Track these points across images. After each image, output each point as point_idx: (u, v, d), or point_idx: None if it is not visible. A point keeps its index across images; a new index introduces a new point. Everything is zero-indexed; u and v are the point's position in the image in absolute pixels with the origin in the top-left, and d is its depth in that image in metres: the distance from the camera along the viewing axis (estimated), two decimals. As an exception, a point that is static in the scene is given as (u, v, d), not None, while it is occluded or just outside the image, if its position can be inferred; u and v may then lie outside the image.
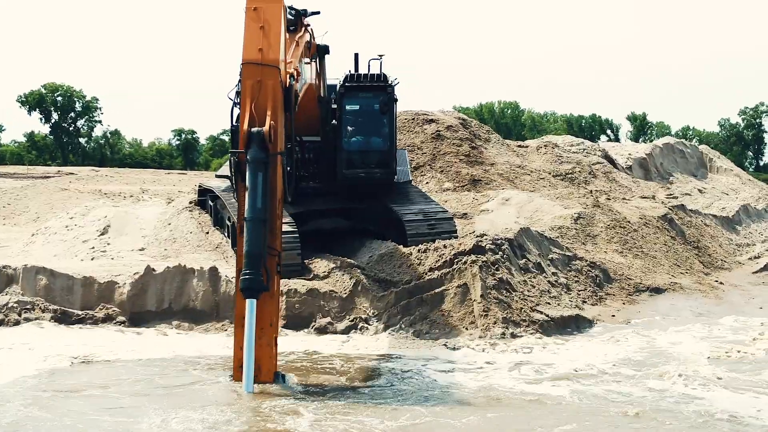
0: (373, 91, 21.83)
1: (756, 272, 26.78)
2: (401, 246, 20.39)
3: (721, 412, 12.59)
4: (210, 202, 23.98)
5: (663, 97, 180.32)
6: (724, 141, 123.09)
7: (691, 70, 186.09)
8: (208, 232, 22.99)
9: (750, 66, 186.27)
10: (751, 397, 13.59)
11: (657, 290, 22.24)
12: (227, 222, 21.78)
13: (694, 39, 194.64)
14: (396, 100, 21.92)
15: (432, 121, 32.17)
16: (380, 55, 21.52)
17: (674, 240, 26.27)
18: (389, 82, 21.70)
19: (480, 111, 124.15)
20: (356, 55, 22.23)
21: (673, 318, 20.06)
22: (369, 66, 21.88)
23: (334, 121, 21.71)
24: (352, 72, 21.89)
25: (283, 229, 19.77)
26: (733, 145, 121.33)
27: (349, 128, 22.19)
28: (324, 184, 22.23)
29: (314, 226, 21.75)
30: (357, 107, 22.20)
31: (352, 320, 18.35)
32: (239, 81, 14.56)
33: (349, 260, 19.95)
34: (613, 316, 19.93)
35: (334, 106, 21.77)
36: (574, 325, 18.69)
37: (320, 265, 19.78)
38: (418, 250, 19.76)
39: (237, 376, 13.08)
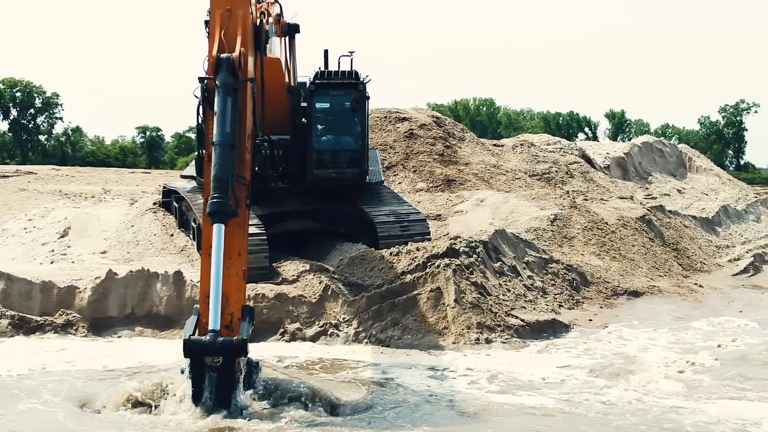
0: (344, 88, 21.70)
1: (736, 275, 27.00)
2: (373, 249, 20.37)
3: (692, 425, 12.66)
4: (175, 204, 23.85)
5: (642, 94, 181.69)
6: (704, 139, 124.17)
7: (670, 66, 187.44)
8: (172, 235, 22.86)
9: (731, 63, 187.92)
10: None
11: (635, 293, 22.33)
12: (193, 224, 21.67)
13: (674, 35, 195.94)
14: (368, 97, 21.81)
15: (405, 119, 32.17)
16: (351, 52, 21.48)
17: (653, 242, 26.43)
18: (361, 80, 21.60)
19: (455, 108, 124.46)
20: (326, 51, 22.16)
21: (652, 322, 20.15)
22: (339, 63, 21.82)
23: (303, 119, 21.62)
24: (322, 69, 21.81)
25: (250, 232, 19.98)
26: (713, 143, 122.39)
27: (320, 127, 22.10)
28: (293, 185, 22.15)
29: (283, 228, 21.66)
30: (328, 105, 22.10)
31: (321, 326, 18.26)
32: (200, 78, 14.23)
33: (318, 263, 19.89)
34: (591, 320, 20.00)
35: (304, 104, 21.67)
36: (551, 329, 18.73)
37: (289, 269, 19.69)
38: (390, 253, 19.76)
39: (203, 308, 12.30)
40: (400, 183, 29.06)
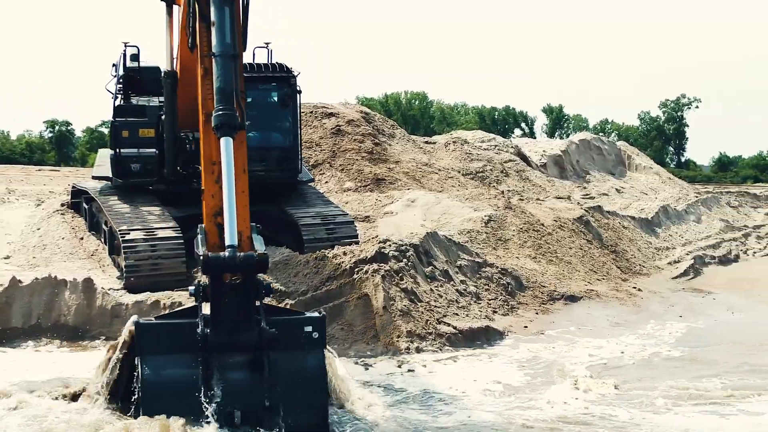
0: (273, 82, 21.62)
1: (675, 277, 27.46)
2: (297, 253, 20.28)
3: None
4: (85, 205, 23.50)
5: (580, 88, 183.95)
6: (644, 135, 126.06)
7: (610, 60, 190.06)
8: (82, 238, 22.51)
9: (671, 57, 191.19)
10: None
11: (572, 298, 22.56)
12: (104, 227, 21.38)
13: (613, 28, 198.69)
14: (299, 91, 21.73)
15: (332, 114, 32.14)
16: (266, 43, 21.31)
17: (590, 244, 26.76)
18: (291, 72, 21.47)
19: (385, 102, 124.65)
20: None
21: (589, 328, 20.37)
22: (254, 55, 21.64)
23: None
24: (250, 62, 21.62)
25: (165, 235, 19.85)
26: (653, 139, 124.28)
27: (250, 123, 21.86)
28: None
29: None
30: (259, 100, 21.86)
31: (241, 335, 18.14)
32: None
33: (239, 269, 19.73)
34: (526, 327, 20.15)
35: None
36: (484, 337, 18.81)
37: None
38: (316, 258, 19.68)
39: (210, 227, 12.27)
40: (326, 182, 29.01)
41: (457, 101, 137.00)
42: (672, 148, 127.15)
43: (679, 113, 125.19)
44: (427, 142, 35.76)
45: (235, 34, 12.91)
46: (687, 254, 29.76)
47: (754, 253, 32.41)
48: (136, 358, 11.75)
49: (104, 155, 23.90)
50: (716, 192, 43.48)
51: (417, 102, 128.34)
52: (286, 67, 21.50)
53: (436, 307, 19.00)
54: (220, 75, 12.52)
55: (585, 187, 36.34)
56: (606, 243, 27.69)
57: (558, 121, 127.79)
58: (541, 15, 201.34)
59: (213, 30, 12.79)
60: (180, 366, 11.48)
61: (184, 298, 18.44)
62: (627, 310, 22.56)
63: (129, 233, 19.64)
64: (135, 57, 22.78)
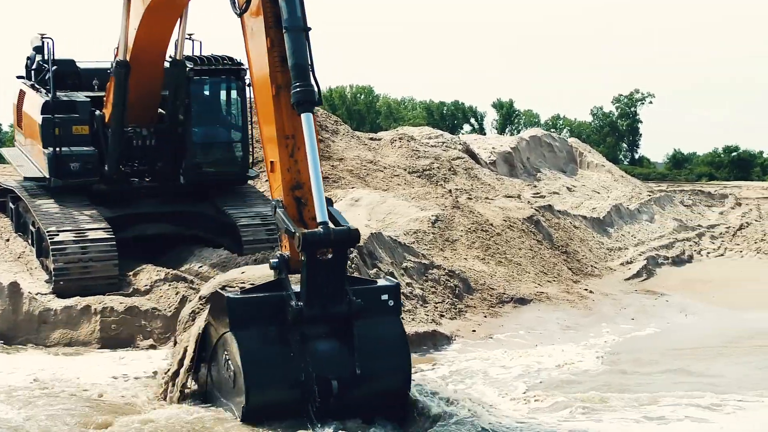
0: (225, 74, 21.59)
1: (628, 279, 27.72)
2: (236, 254, 20.19)
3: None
4: (11, 204, 23.18)
5: (531, 83, 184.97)
6: (596, 131, 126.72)
7: (561, 54, 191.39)
8: (8, 240, 22.19)
9: (624, 51, 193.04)
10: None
11: (522, 301, 22.73)
12: (31, 228, 21.12)
13: (564, 21, 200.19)
14: (249, 85, 21.52)
15: (273, 109, 31.95)
16: (189, 35, 21.22)
17: (541, 244, 26.91)
18: (242, 65, 21.39)
19: (329, 96, 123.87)
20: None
21: (539, 332, 20.54)
22: (176, 47, 21.45)
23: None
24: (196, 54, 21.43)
25: (97, 236, 19.68)
26: (606, 135, 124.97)
27: (200, 118, 21.78)
28: (161, 183, 21.83)
29: (135, 232, 21.33)
30: (208, 94, 21.95)
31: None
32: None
33: (175, 272, 19.66)
34: (474, 331, 20.26)
35: None
36: (431, 342, 18.90)
37: (142, 278, 19.47)
38: (255, 260, 19.56)
39: (289, 201, 12.76)
40: (267, 181, 28.77)
41: (404, 96, 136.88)
42: (625, 145, 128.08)
43: (632, 109, 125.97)
44: (372, 139, 35.73)
45: (304, 8, 13.20)
46: (639, 255, 30.04)
47: (708, 253, 32.80)
48: (218, 333, 12.70)
49: (15, 155, 23.64)
50: (670, 190, 43.91)
51: (362, 96, 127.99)
52: (236, 59, 21.45)
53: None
54: (294, 50, 12.86)
55: (535, 186, 36.53)
56: (557, 243, 27.87)
57: (508, 117, 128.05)
58: (491, 7, 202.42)
59: (282, 3, 13.02)
60: (274, 340, 12.22)
61: (116, 303, 18.38)
62: (578, 313, 22.75)
63: (58, 234, 19.46)
64: (39, 49, 22.56)
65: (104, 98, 21.31)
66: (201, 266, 20.01)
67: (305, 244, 11.99)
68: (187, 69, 20.86)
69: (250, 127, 21.92)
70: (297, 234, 12.11)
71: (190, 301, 15.74)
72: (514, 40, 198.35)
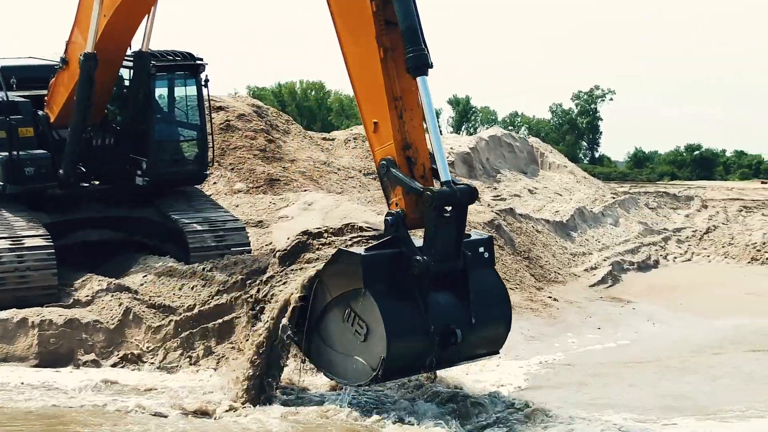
0: (185, 70, 21.52)
1: (593, 285, 27.60)
2: (182, 263, 19.91)
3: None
4: None
5: (488, 79, 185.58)
6: (556, 129, 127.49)
7: (519, 50, 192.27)
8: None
9: (584, 46, 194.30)
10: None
11: (482, 309, 22.44)
12: None
13: (523, 14, 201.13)
14: (208, 80, 21.69)
15: (220, 108, 31.59)
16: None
17: (502, 250, 26.68)
18: (201, 61, 21.44)
19: (279, 93, 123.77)
20: None
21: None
22: (143, 39, 21.16)
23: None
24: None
25: (34, 244, 19.28)
26: (565, 133, 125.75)
27: (162, 115, 21.75)
28: (116, 185, 21.58)
29: (76, 239, 21.05)
30: (170, 90, 21.82)
31: (121, 357, 17.83)
32: None
33: (118, 281, 19.34)
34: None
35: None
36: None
37: (82, 289, 19.16)
38: (203, 269, 19.28)
39: (401, 160, 13.68)
40: (215, 183, 28.51)
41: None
42: (585, 143, 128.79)
43: (592, 106, 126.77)
44: (325, 139, 35.41)
45: None
46: (604, 260, 29.95)
47: (675, 258, 32.79)
48: (334, 293, 13.84)
49: None
50: (634, 192, 43.99)
51: (313, 92, 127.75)
52: (194, 55, 21.46)
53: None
54: (404, 14, 13.58)
55: (495, 188, 36.32)
56: (519, 249, 27.71)
57: (465, 114, 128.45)
58: (445, 0, 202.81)
59: None
60: (403, 294, 13.42)
61: (55, 316, 18.04)
62: (542, 322, 22.63)
63: (-8, 242, 19.05)
64: None
65: (46, 97, 20.96)
66: (145, 275, 19.70)
67: (439, 201, 13.19)
68: (150, 64, 20.77)
69: (209, 124, 22.14)
70: (427, 192, 13.25)
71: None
72: (470, 34, 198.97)
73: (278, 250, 16.27)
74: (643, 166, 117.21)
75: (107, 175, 21.53)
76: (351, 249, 14.19)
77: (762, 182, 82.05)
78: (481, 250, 14.28)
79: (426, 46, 13.63)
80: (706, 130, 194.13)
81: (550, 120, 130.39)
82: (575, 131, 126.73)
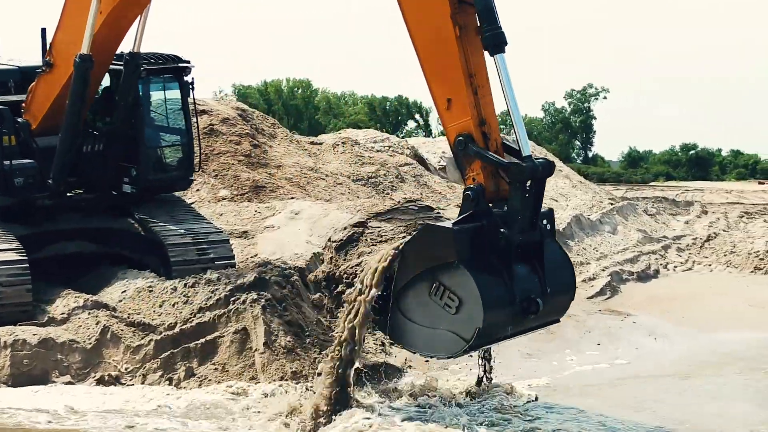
0: (167, 73, 21.31)
1: (591, 297, 27.16)
2: (164, 278, 19.50)
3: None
4: None
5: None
6: (548, 128, 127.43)
7: (511, 46, 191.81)
8: None
9: (577, 44, 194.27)
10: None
11: (479, 325, 22.02)
12: None
13: (515, 10, 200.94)
14: (191, 84, 21.53)
15: (204, 112, 31.20)
16: (43, 29, 20.53)
17: (498, 260, 26.30)
18: (187, 63, 21.26)
19: (265, 91, 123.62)
20: (44, 30, 21.00)
21: (499, 361, 19.80)
22: (135, 39, 20.72)
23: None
24: (135, 50, 20.57)
25: (7, 258, 18.79)
26: (558, 132, 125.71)
27: (152, 120, 21.55)
28: (104, 193, 21.22)
29: (52, 252, 20.60)
30: (159, 94, 21.62)
31: (98, 379, 17.26)
32: None
33: (95, 298, 18.88)
34: (427, 361, 19.53)
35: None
36: (382, 374, 18.12)
37: (58, 305, 18.64)
38: (185, 285, 18.83)
39: (479, 135, 14.03)
40: (198, 190, 28.08)
41: (344, 90, 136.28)
42: (578, 143, 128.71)
43: (585, 104, 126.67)
44: (312, 143, 35.04)
45: None
46: (602, 270, 29.50)
47: (675, 267, 32.37)
48: (419, 267, 14.12)
49: None
50: (632, 198, 43.61)
51: (300, 90, 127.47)
52: (179, 57, 21.27)
53: (325, 342, 18.21)
54: None
55: (489, 194, 35.93)
56: (514, 258, 27.27)
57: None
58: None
59: None
60: (491, 266, 13.87)
61: (29, 335, 17.51)
62: (539, 338, 22.02)
63: (-39, 257, 18.61)
64: None
65: (23, 103, 20.49)
66: (124, 291, 19.29)
67: (525, 174, 13.74)
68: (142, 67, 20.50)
69: (194, 128, 21.96)
70: (515, 166, 13.80)
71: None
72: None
73: (334, 241, 17.17)
74: (637, 166, 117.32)
75: (95, 183, 21.17)
76: (438, 223, 14.77)
77: (760, 182, 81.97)
78: (545, 222, 14.62)
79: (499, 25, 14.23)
80: (702, 129, 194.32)
81: (543, 119, 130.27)
82: (568, 130, 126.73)
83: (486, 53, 14.12)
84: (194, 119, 22.39)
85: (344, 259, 16.95)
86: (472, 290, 13.65)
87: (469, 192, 13.95)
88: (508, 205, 14.01)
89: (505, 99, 14.02)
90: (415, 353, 15.32)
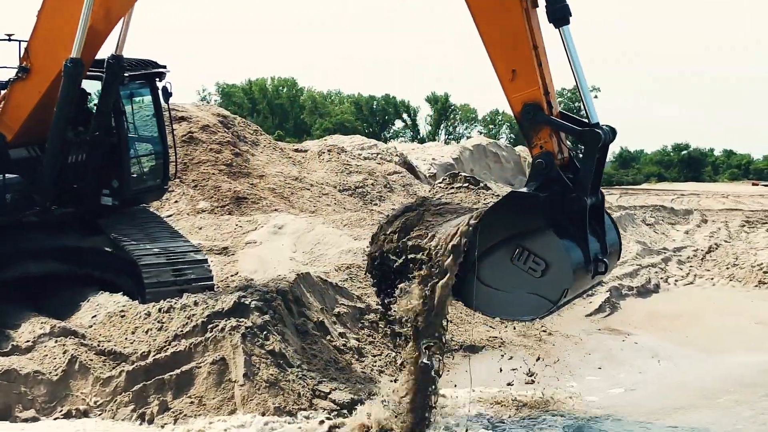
0: (143, 79, 20.75)
1: (590, 315, 26.41)
2: (137, 301, 18.52)
3: None
4: None
5: (467, 75, 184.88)
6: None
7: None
8: None
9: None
10: None
11: (472, 348, 21.33)
12: None
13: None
14: (164, 89, 20.98)
15: (183, 119, 30.41)
16: (8, 35, 19.67)
17: (492, 276, 25.47)
18: (164, 68, 20.79)
19: (249, 90, 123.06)
20: (9, 36, 20.13)
21: (497, 390, 19.06)
22: (118, 41, 19.87)
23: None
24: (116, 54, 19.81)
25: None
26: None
27: (134, 126, 20.88)
28: (87, 206, 20.42)
29: (16, 273, 19.63)
30: (139, 99, 21.10)
31: (65, 413, 16.27)
32: None
33: (63, 324, 17.83)
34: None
35: None
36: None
37: (23, 332, 17.64)
38: (160, 309, 17.81)
39: (545, 104, 14.66)
40: (176, 201, 27.28)
41: (330, 88, 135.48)
42: (569, 143, 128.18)
43: (576, 103, 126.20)
44: (297, 151, 34.30)
45: None
46: (601, 285, 28.69)
47: (676, 281, 31.64)
48: (501, 234, 14.62)
49: None
50: (630, 207, 43.00)
51: (285, 89, 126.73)
52: (155, 62, 20.77)
53: (309, 372, 17.26)
54: None
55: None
56: (510, 275, 26.41)
57: (444, 112, 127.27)
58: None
59: None
60: (569, 229, 14.51)
61: (6, 362, 16.63)
62: (537, 362, 21.30)
63: None
64: None
65: None
66: (94, 316, 18.31)
67: (601, 140, 14.47)
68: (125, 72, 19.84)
69: (171, 135, 21.70)
70: (588, 132, 14.51)
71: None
72: (449, 29, 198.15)
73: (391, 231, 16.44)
74: (629, 167, 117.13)
75: (77, 196, 20.31)
76: (522, 190, 15.10)
77: (753, 183, 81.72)
78: None
79: None
80: (694, 129, 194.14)
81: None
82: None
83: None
84: (169, 126, 21.90)
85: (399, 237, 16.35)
86: (560, 253, 14.37)
87: (540, 160, 14.62)
88: (580, 170, 14.69)
89: (572, 69, 14.83)
90: (494, 318, 16.94)
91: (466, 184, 17.51)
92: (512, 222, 14.66)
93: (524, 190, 15.09)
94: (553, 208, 14.46)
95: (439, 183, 17.90)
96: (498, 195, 16.78)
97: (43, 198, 19.47)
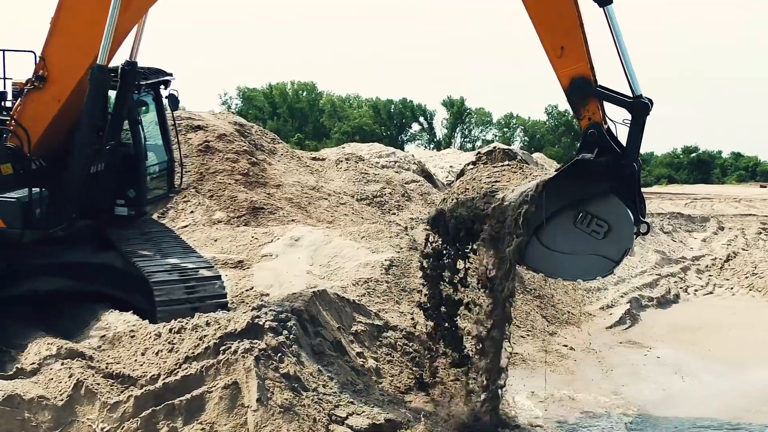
0: (159, 86, 19.82)
1: (610, 327, 25.23)
2: (147, 321, 17.23)
3: None
4: None
5: (483, 80, 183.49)
6: (551, 131, 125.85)
7: (513, 49, 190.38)
8: None
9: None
10: None
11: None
12: None
13: (517, 14, 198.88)
14: (170, 96, 20.09)
15: (199, 127, 29.17)
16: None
17: (512, 289, 24.21)
18: (170, 75, 19.84)
19: (270, 94, 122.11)
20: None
21: (514, 411, 17.85)
22: (133, 47, 18.80)
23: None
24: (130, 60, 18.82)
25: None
26: (561, 135, 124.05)
27: (148, 135, 19.93)
28: (98, 219, 19.29)
29: (24, 290, 18.35)
30: (152, 107, 20.08)
31: (70, 442, 15.04)
32: None
33: (69, 346, 16.53)
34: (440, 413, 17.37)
35: None
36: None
37: (29, 354, 16.40)
38: (170, 330, 16.53)
39: (593, 78, 15.61)
40: (192, 212, 26.03)
41: (349, 93, 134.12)
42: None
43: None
44: (314, 159, 33.00)
45: None
46: (621, 296, 27.51)
47: (696, 291, 30.38)
48: (563, 200, 15.59)
49: None
50: (648, 215, 41.62)
51: (305, 93, 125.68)
52: (163, 70, 19.70)
53: (325, 395, 15.97)
54: None
55: (500, 212, 33.95)
56: (528, 287, 25.16)
57: (459, 116, 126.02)
58: (437, 1, 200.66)
59: None
60: (625, 196, 15.49)
61: (10, 386, 15.33)
62: (559, 379, 20.30)
63: None
64: None
65: (9, 124, 18.24)
66: (104, 336, 17.07)
67: (649, 109, 15.40)
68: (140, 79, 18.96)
69: (178, 143, 20.91)
70: (637, 103, 15.33)
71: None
72: (464, 34, 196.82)
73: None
74: (640, 169, 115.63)
75: (96, 207, 19.16)
76: (587, 157, 15.52)
77: (762, 185, 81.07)
78: None
79: None
80: (703, 131, 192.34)
81: (546, 122, 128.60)
82: (571, 133, 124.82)
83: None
84: (174, 133, 21.15)
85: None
86: (624, 216, 15.32)
87: (593, 130, 15.39)
88: (629, 137, 15.45)
89: (617, 46, 15.45)
90: (556, 279, 18.14)
91: (507, 161, 18.04)
92: (578, 188, 15.45)
93: (589, 156, 15.54)
94: (609, 174, 15.25)
95: (481, 160, 18.99)
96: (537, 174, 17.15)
97: (72, 210, 18.22)
